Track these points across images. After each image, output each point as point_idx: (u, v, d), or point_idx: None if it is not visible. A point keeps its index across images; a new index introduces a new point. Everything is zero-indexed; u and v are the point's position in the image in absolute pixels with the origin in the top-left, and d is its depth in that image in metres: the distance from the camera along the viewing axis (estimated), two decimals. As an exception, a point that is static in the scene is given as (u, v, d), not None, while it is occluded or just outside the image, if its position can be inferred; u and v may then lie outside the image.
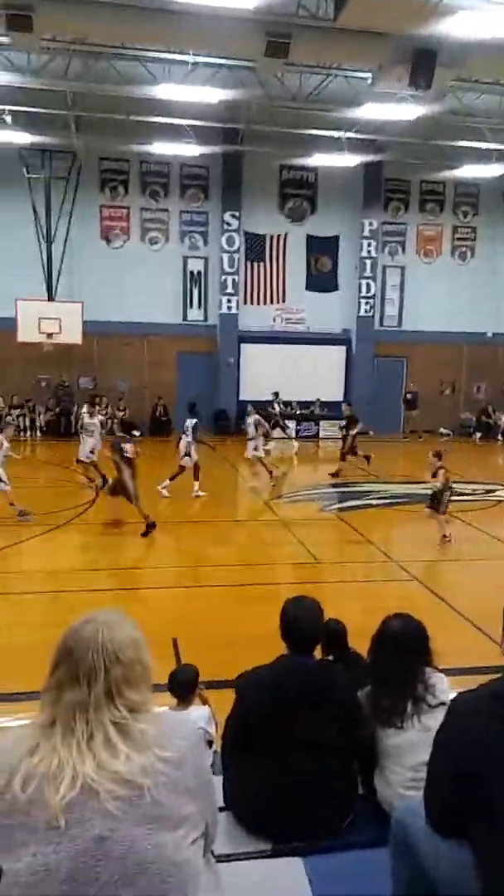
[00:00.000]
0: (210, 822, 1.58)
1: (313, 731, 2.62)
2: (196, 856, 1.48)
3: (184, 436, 12.33)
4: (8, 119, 15.74)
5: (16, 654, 5.97)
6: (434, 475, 9.89)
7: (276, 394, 18.95)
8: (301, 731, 2.62)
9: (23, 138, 16.59)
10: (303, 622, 2.75)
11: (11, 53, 13.73)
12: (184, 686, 3.74)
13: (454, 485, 10.18)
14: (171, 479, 12.22)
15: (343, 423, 15.07)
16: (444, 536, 9.77)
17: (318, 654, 3.16)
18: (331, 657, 3.62)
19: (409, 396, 20.78)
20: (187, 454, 12.17)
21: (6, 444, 10.65)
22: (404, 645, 2.78)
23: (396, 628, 2.83)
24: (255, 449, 14.33)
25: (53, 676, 1.52)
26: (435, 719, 2.65)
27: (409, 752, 2.66)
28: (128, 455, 10.01)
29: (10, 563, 8.75)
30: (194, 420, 12.31)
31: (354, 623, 3.93)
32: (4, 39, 11.89)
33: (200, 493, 12.21)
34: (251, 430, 14.57)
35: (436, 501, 9.87)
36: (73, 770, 1.41)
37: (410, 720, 2.67)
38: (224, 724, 2.87)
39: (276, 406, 18.62)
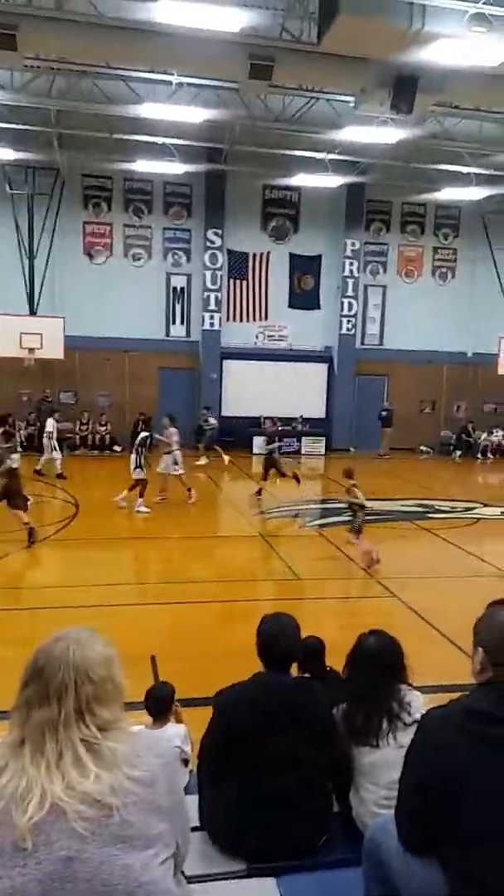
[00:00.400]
0: (181, 842, 1.57)
1: (290, 748, 2.61)
2: (166, 876, 1.47)
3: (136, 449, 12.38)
4: (-8, 135, 15.79)
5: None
6: (348, 492, 9.59)
7: (209, 408, 18.92)
8: (277, 748, 2.60)
9: (6, 154, 16.64)
10: (280, 639, 2.75)
11: (-4, 70, 13.79)
12: (159, 704, 3.71)
13: (365, 503, 9.71)
14: (141, 496, 12.17)
15: (270, 440, 14.36)
16: (373, 559, 9.26)
17: (294, 671, 3.16)
18: (307, 674, 3.61)
19: (384, 413, 20.65)
20: (139, 467, 12.17)
21: None
22: (379, 662, 2.78)
23: (371, 645, 2.83)
24: (175, 463, 13.00)
25: (23, 695, 1.51)
26: (409, 737, 2.65)
27: (383, 770, 2.65)
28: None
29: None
30: (146, 434, 12.49)
31: (332, 640, 3.94)
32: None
33: (143, 509, 12.09)
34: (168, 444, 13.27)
35: (354, 524, 9.50)
36: (41, 790, 1.39)
37: (385, 738, 2.67)
38: (200, 742, 2.84)
39: (210, 420, 18.34)
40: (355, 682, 2.80)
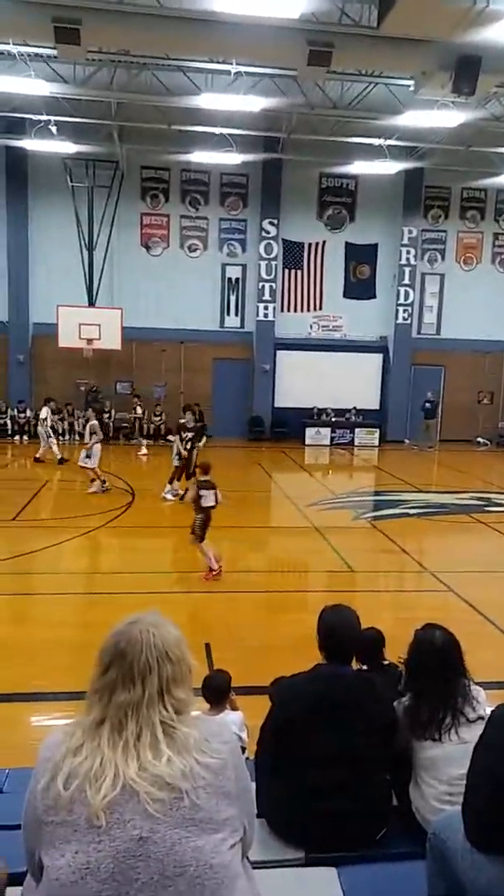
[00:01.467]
0: (248, 827, 1.59)
1: (349, 740, 2.60)
2: (234, 860, 1.49)
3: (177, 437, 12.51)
4: (53, 129, 16.10)
5: (57, 654, 6.07)
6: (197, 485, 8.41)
7: (139, 396, 19.04)
8: (337, 740, 2.60)
9: (67, 148, 16.95)
10: (341, 631, 2.74)
11: (57, 64, 14.03)
12: (217, 692, 3.75)
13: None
14: (170, 482, 12.28)
15: (186, 434, 12.37)
16: (211, 570, 8.15)
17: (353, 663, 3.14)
18: (366, 667, 3.59)
19: (427, 405, 20.13)
20: (178, 454, 12.28)
21: None
22: (443, 656, 2.75)
23: (435, 639, 2.80)
24: (88, 457, 12.65)
25: (105, 677, 1.54)
26: (472, 733, 2.61)
27: (445, 766, 2.63)
28: None
29: (49, 564, 8.90)
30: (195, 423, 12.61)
31: (387, 633, 3.91)
32: (51, 51, 12.17)
33: (169, 496, 12.13)
34: (87, 437, 13.06)
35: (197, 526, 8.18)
36: (114, 770, 1.43)
37: (448, 733, 2.64)
38: (259, 731, 2.87)
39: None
40: (418, 676, 2.77)
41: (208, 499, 8.07)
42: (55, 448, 15.59)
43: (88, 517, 10.79)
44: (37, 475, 14.55)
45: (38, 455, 15.64)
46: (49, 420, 15.88)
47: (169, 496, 12.21)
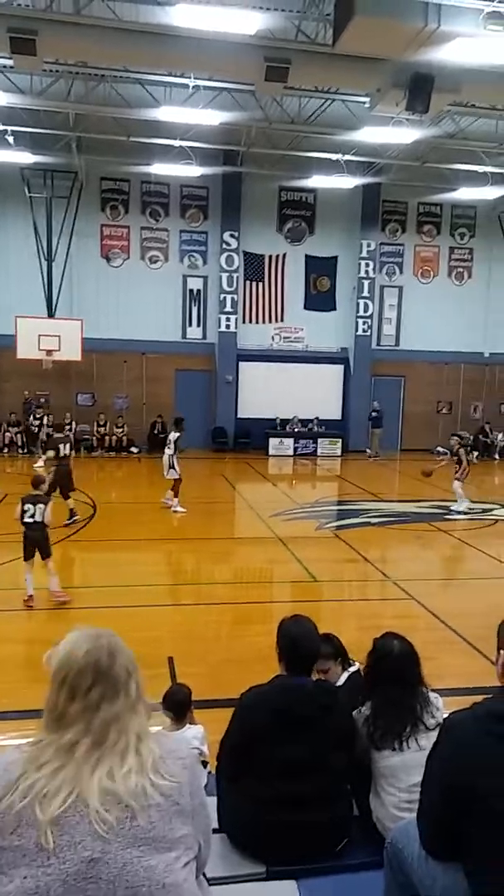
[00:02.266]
0: (203, 844, 1.58)
1: (309, 751, 2.61)
2: (188, 878, 1.48)
3: (166, 449, 12.50)
4: (10, 139, 15.94)
5: (8, 670, 5.93)
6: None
7: (40, 406, 18.98)
8: (297, 751, 2.60)
9: (25, 158, 16.79)
10: (301, 642, 2.75)
11: (14, 74, 13.92)
12: (180, 706, 3.72)
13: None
14: (175, 495, 12.28)
15: (50, 450, 11.46)
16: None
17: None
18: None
19: (374, 414, 20.42)
20: (171, 467, 12.28)
21: None
22: (400, 665, 2.77)
23: (390, 648, 2.82)
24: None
25: (87, 698, 1.50)
26: (430, 740, 2.64)
27: (404, 773, 2.65)
28: None
29: (5, 580, 8.71)
30: (177, 434, 12.53)
31: (350, 641, 3.92)
32: (7, 61, 12.08)
33: (179, 509, 12.22)
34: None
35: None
36: (70, 786, 1.41)
37: (407, 741, 2.66)
38: (220, 744, 2.85)
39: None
40: (377, 684, 2.79)
41: (29, 514, 7.45)
42: None
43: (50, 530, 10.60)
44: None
45: None
46: None
47: (180, 508, 12.23)
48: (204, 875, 1.68)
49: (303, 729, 2.65)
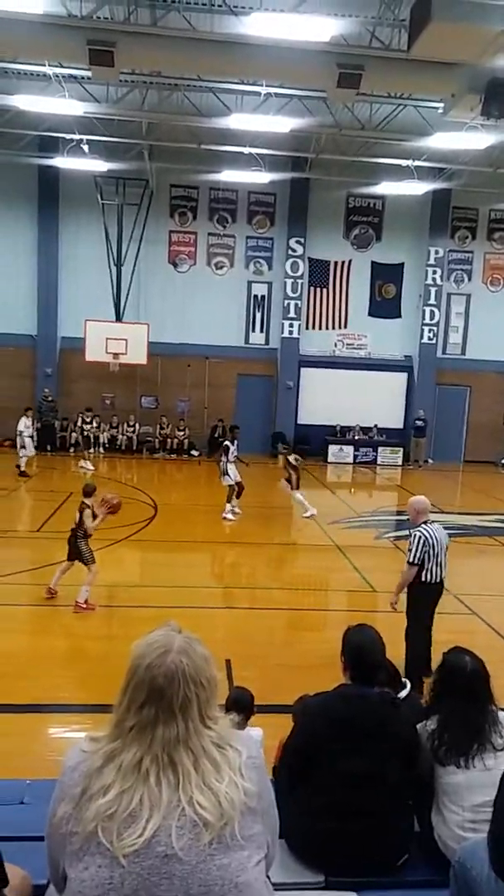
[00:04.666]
0: (271, 844, 1.58)
1: (372, 764, 2.58)
2: (259, 878, 1.48)
3: (223, 457, 12.58)
4: (85, 148, 16.43)
5: (77, 666, 6.09)
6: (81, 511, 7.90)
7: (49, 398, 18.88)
8: (359, 763, 2.58)
9: (99, 166, 17.27)
10: (367, 651, 2.73)
11: (90, 85, 14.33)
12: (244, 709, 3.73)
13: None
14: (228, 501, 12.35)
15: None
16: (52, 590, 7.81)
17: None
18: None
19: (418, 423, 20.10)
20: (225, 473, 12.35)
21: None
22: (471, 681, 2.71)
23: (462, 663, 2.76)
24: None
25: (141, 714, 1.49)
26: (498, 761, 2.58)
27: (468, 792, 2.59)
28: None
29: (71, 576, 8.94)
30: (227, 442, 12.68)
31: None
32: (85, 72, 12.46)
33: (228, 517, 12.20)
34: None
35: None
36: (150, 812, 1.40)
37: (472, 760, 2.60)
38: (280, 749, 2.85)
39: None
40: (445, 699, 2.74)
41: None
42: (23, 461, 15.43)
43: (111, 530, 10.83)
44: (65, 486, 14.67)
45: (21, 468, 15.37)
46: (26, 431, 15.78)
47: (230, 516, 12.28)
48: (269, 877, 1.68)
49: (364, 739, 2.62)
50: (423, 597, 5.90)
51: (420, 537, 5.83)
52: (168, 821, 1.40)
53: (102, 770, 1.46)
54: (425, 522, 5.97)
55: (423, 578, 5.85)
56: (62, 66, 12.99)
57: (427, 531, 5.86)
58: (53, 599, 7.75)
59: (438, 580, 5.95)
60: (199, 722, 1.49)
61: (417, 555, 5.78)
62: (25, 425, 15.92)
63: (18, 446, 15.70)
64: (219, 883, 1.40)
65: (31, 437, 16.18)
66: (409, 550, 5.88)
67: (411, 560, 5.82)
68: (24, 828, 2.43)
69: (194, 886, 1.39)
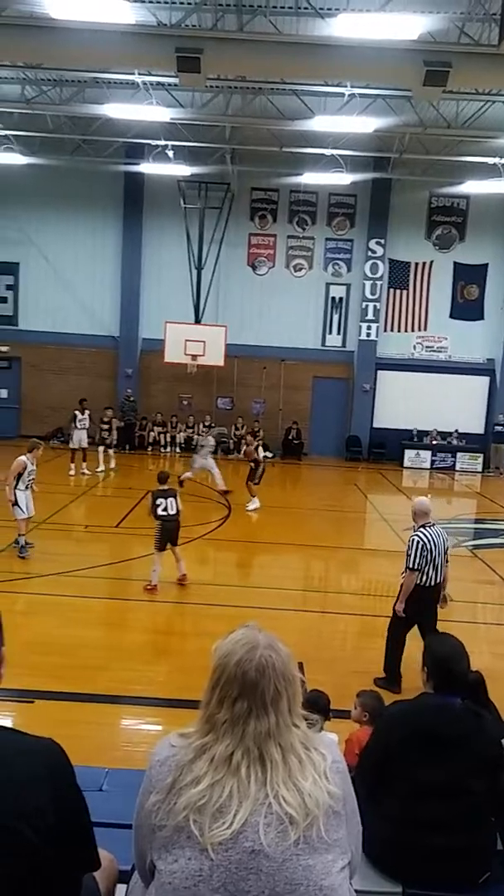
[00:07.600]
0: (355, 851, 1.57)
1: (453, 776, 2.51)
2: (343, 883, 1.47)
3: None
4: (170, 153, 16.78)
5: (152, 659, 6.22)
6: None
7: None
8: (440, 774, 2.51)
9: (182, 171, 17.60)
10: (452, 661, 2.66)
11: (175, 91, 14.62)
12: (319, 711, 3.71)
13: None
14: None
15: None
16: (151, 584, 8.15)
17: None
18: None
19: (499, 428, 19.45)
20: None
21: (31, 467, 9.12)
22: None
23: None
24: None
25: (235, 708, 1.50)
26: None
27: None
28: None
29: (147, 572, 9.15)
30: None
31: (486, 668, 3.75)
32: (172, 79, 12.71)
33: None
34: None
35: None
36: (239, 803, 1.42)
37: None
38: (360, 757, 2.82)
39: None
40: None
41: (162, 508, 7.98)
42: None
43: (186, 528, 11.01)
44: (141, 484, 15.02)
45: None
46: (80, 424, 15.32)
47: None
48: (351, 884, 1.66)
49: (446, 751, 2.55)
50: (414, 601, 5.88)
51: (417, 542, 5.80)
52: (255, 817, 1.41)
53: (194, 763, 1.48)
54: (424, 525, 5.91)
55: (419, 581, 5.81)
56: (150, 75, 13.30)
57: (425, 535, 5.83)
58: (135, 594, 7.97)
59: (434, 584, 5.89)
60: (287, 717, 1.51)
61: (416, 560, 5.71)
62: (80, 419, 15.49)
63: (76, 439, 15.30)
64: (304, 883, 1.39)
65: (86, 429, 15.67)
66: (408, 556, 5.88)
67: (411, 566, 5.81)
68: (103, 814, 2.49)
69: (280, 884, 1.39)
